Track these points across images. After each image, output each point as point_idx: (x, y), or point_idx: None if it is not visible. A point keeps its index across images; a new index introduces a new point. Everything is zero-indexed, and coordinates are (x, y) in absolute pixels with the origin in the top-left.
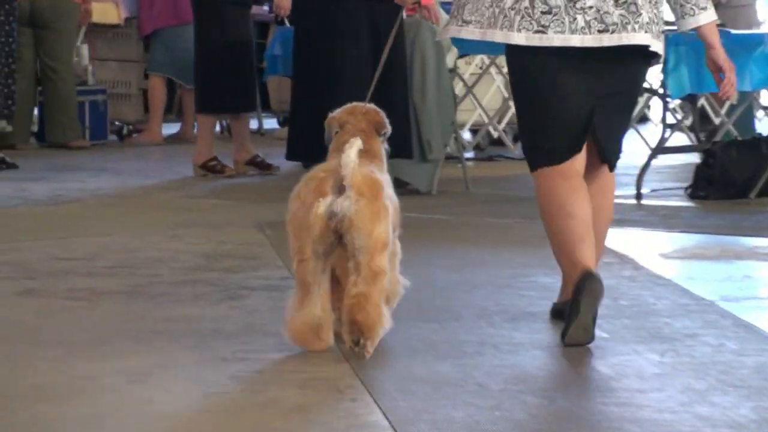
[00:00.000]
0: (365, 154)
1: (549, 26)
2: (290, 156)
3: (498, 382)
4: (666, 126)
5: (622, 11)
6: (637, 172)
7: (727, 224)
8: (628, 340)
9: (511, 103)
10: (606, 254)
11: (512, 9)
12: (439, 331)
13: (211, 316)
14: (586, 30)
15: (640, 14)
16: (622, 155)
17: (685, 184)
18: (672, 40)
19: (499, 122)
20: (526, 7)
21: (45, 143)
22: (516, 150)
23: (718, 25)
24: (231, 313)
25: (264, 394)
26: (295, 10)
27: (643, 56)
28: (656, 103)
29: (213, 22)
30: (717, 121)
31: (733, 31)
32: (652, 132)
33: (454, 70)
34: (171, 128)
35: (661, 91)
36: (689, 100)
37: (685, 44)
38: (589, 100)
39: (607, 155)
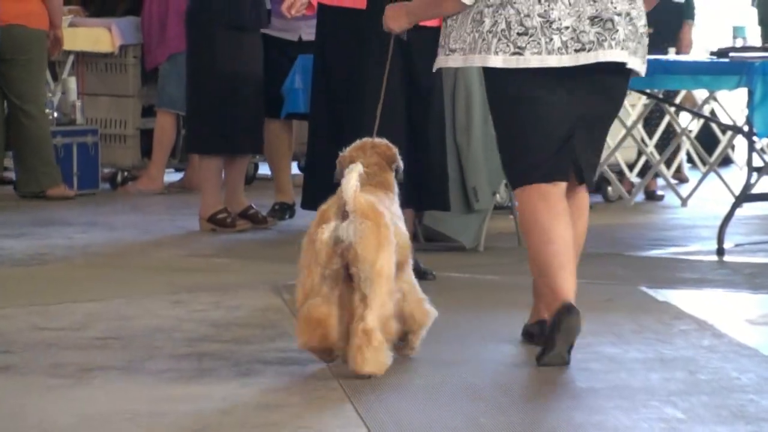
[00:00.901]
0: (378, 185)
1: (526, 47)
2: (307, 205)
3: None
4: (752, 169)
5: (599, 29)
6: (718, 223)
7: None
8: (707, 421)
9: None
10: (683, 320)
11: (490, 32)
12: (488, 413)
13: (219, 395)
14: (563, 50)
15: (617, 31)
16: (700, 202)
17: None
18: (759, 68)
19: None
20: (503, 30)
21: (22, 193)
22: None
23: None
24: (243, 392)
25: None
26: (320, 39)
27: (621, 73)
28: (741, 143)
29: (205, 46)
30: None
31: None
32: (736, 176)
33: None
34: (172, 175)
35: (746, 128)
36: None
37: None
38: (568, 119)
39: (586, 175)
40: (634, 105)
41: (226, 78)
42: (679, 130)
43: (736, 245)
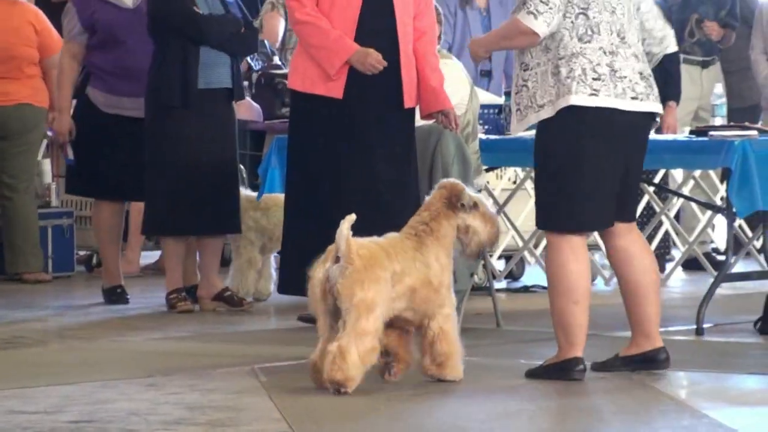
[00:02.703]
0: (433, 232)
1: (600, 90)
2: (284, 288)
3: None
4: (732, 249)
5: (645, 84)
6: (697, 303)
7: None
8: None
9: None
10: (661, 400)
11: (568, 78)
12: None
13: None
14: (624, 96)
15: (654, 87)
16: (679, 282)
17: (755, 317)
18: (739, 147)
19: (536, 246)
20: (579, 75)
21: (1, 275)
22: None
23: None
24: None
25: None
26: (295, 117)
27: (648, 127)
28: (720, 222)
29: (152, 128)
30: None
31: None
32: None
33: (481, 189)
34: (149, 257)
35: (725, 207)
36: (760, 218)
37: (755, 152)
38: (622, 165)
39: (633, 215)
40: None
41: (172, 159)
42: (658, 210)
43: (715, 325)
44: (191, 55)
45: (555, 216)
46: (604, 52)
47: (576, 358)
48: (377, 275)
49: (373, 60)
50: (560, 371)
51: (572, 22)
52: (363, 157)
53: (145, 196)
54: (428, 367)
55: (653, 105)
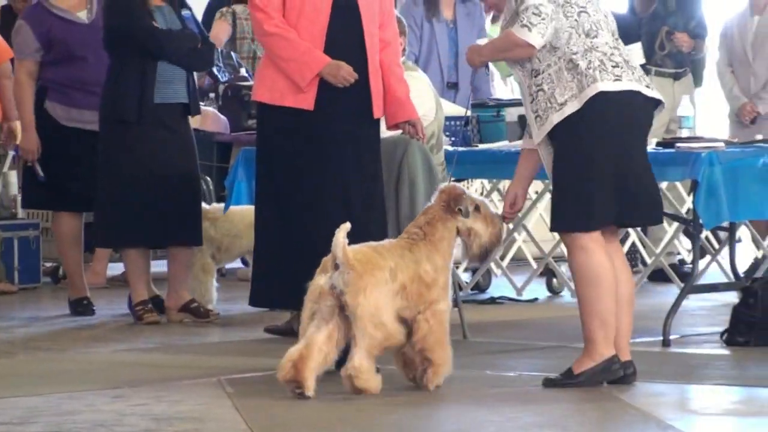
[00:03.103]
0: (426, 236)
1: (622, 76)
2: (255, 301)
3: None
4: (698, 261)
5: (640, 74)
6: (664, 315)
7: None
8: None
9: (516, 235)
10: (627, 411)
11: (589, 68)
12: None
13: None
14: (641, 81)
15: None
16: (646, 293)
17: (721, 329)
18: (706, 159)
19: (502, 258)
20: (599, 65)
21: None
22: (523, 293)
23: (758, 141)
24: None
25: None
26: (263, 130)
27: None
28: (686, 234)
29: (105, 142)
30: (759, 253)
31: None
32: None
33: None
34: (116, 268)
35: (692, 219)
36: (726, 229)
37: (721, 164)
38: (641, 154)
39: (637, 219)
40: None
41: (128, 172)
42: None
43: (681, 336)
44: (149, 70)
45: (596, 211)
46: (610, 47)
47: (616, 356)
48: (377, 278)
49: (345, 73)
50: (605, 372)
51: (576, 20)
52: (334, 169)
53: (96, 208)
54: (414, 364)
55: (659, 95)
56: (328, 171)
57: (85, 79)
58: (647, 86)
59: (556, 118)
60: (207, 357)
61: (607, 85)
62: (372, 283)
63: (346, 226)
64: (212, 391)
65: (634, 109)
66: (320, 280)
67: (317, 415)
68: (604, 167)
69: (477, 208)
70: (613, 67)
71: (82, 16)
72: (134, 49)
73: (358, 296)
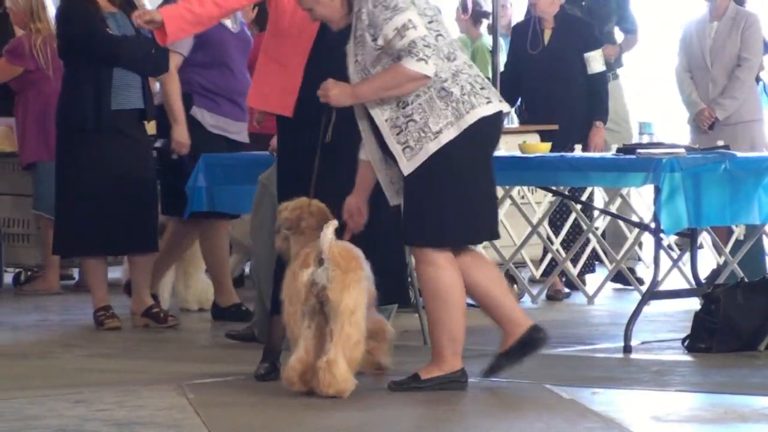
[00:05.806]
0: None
1: (490, 98)
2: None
3: None
4: (659, 267)
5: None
6: (625, 321)
7: (732, 381)
8: None
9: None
10: (588, 418)
11: (464, 94)
12: None
13: None
14: (499, 98)
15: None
16: (607, 300)
17: (683, 335)
18: (666, 165)
19: None
20: (470, 90)
21: None
22: None
23: (719, 147)
24: None
25: None
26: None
27: None
28: (647, 240)
29: (61, 150)
30: (720, 260)
31: (739, 154)
32: (642, 274)
33: None
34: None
35: (653, 225)
36: (687, 235)
37: (682, 170)
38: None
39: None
40: (539, 202)
41: (85, 180)
42: (585, 228)
43: (643, 343)
44: (104, 76)
45: (474, 227)
46: (467, 66)
47: (463, 369)
48: (358, 276)
49: None
50: (452, 382)
51: (436, 44)
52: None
53: (55, 217)
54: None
55: (507, 106)
56: (326, 176)
57: (232, 87)
58: (500, 100)
59: (432, 147)
60: (169, 362)
61: (484, 109)
62: (354, 280)
63: (334, 223)
64: (174, 397)
65: (499, 129)
66: (303, 277)
67: (276, 418)
68: (478, 187)
69: None
70: (481, 89)
71: (228, 24)
72: (89, 57)
73: (342, 293)
